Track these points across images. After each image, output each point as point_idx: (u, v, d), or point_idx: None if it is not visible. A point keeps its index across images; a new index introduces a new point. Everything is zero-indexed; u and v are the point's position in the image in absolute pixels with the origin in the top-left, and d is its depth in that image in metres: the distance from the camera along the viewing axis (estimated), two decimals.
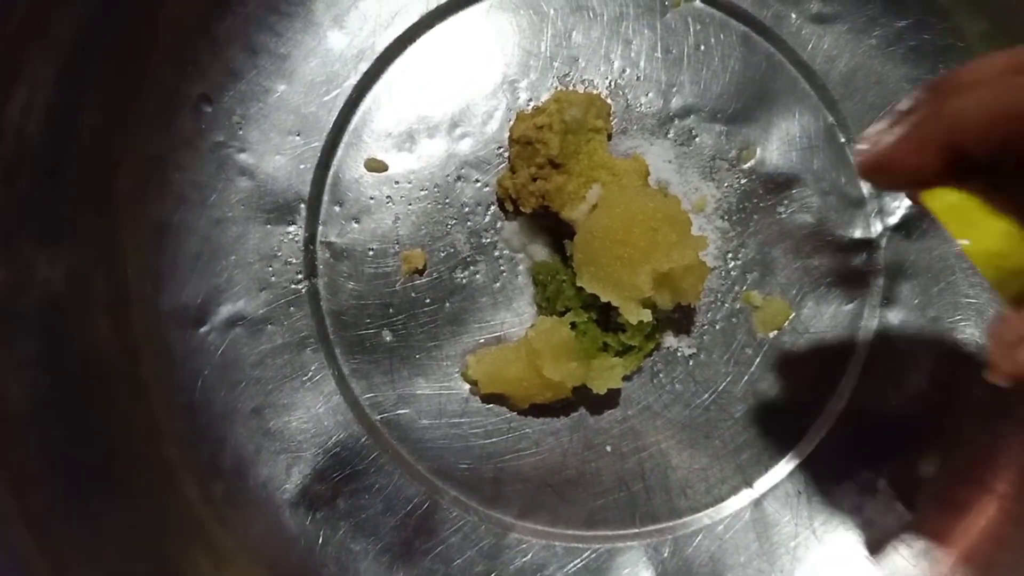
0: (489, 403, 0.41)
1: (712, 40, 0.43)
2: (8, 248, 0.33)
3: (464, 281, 0.42)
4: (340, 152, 0.42)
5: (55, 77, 0.34)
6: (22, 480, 0.31)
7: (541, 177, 0.40)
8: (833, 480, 0.42)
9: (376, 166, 0.42)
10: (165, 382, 0.39)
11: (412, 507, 0.40)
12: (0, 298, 0.33)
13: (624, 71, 0.43)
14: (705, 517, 0.42)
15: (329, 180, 0.42)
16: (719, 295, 0.42)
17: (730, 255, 0.42)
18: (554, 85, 0.43)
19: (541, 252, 0.42)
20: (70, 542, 0.32)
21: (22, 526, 0.31)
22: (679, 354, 0.42)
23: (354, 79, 0.42)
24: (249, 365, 0.40)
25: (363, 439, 0.41)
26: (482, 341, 0.42)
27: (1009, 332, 0.23)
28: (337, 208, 0.42)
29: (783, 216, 0.43)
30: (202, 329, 0.40)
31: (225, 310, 0.40)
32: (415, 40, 0.43)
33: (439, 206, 0.42)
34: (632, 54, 0.43)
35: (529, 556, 0.41)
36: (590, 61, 0.43)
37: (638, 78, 0.43)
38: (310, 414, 0.41)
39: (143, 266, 0.39)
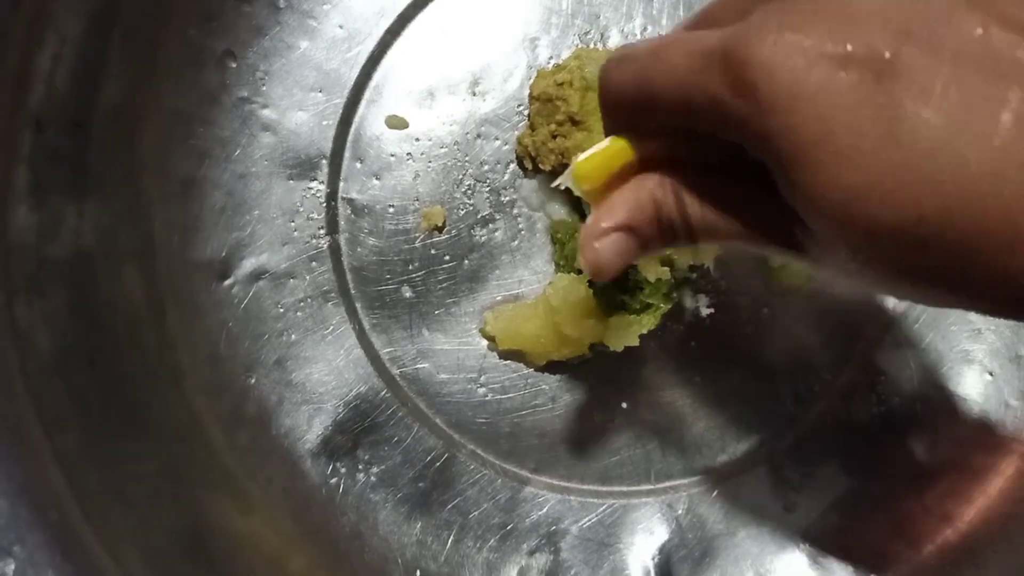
0: (506, 359, 0.42)
1: None
2: (38, 194, 0.34)
3: (483, 239, 0.42)
4: (361, 109, 0.42)
5: (83, 30, 0.35)
6: (54, 423, 0.32)
7: (561, 134, 0.40)
8: (850, 440, 0.42)
9: (397, 123, 0.42)
10: (190, 333, 0.40)
11: (430, 459, 0.41)
12: (31, 244, 0.33)
13: (646, 29, 0.43)
14: (720, 475, 0.42)
15: (350, 137, 0.42)
16: (738, 255, 0.42)
17: None
18: (575, 43, 0.43)
19: (560, 210, 0.42)
20: (100, 483, 0.33)
21: (55, 466, 0.32)
22: (697, 313, 0.42)
23: (375, 36, 0.42)
24: (272, 318, 0.41)
25: (383, 392, 0.41)
26: (499, 299, 0.42)
27: (592, 227, 0.26)
28: (358, 164, 0.42)
29: None
30: (226, 282, 0.41)
31: (248, 264, 0.41)
32: None
33: (459, 164, 0.42)
34: (654, 12, 0.43)
35: (545, 510, 0.41)
36: (611, 19, 0.43)
37: (659, 36, 0.42)
38: (331, 367, 0.41)
39: (169, 219, 0.40)
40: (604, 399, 0.42)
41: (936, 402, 0.42)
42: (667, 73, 0.23)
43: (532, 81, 0.41)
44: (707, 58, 0.22)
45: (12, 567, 0.29)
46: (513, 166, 0.42)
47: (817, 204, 0.21)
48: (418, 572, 0.40)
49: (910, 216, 0.20)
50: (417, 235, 0.42)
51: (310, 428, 0.41)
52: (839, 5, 0.21)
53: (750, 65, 0.21)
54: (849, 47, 0.20)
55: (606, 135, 0.28)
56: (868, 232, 0.20)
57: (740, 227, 0.25)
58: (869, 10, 0.20)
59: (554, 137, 0.40)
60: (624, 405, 0.42)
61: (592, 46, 0.42)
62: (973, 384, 0.42)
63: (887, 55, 0.20)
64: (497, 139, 0.42)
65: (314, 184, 0.42)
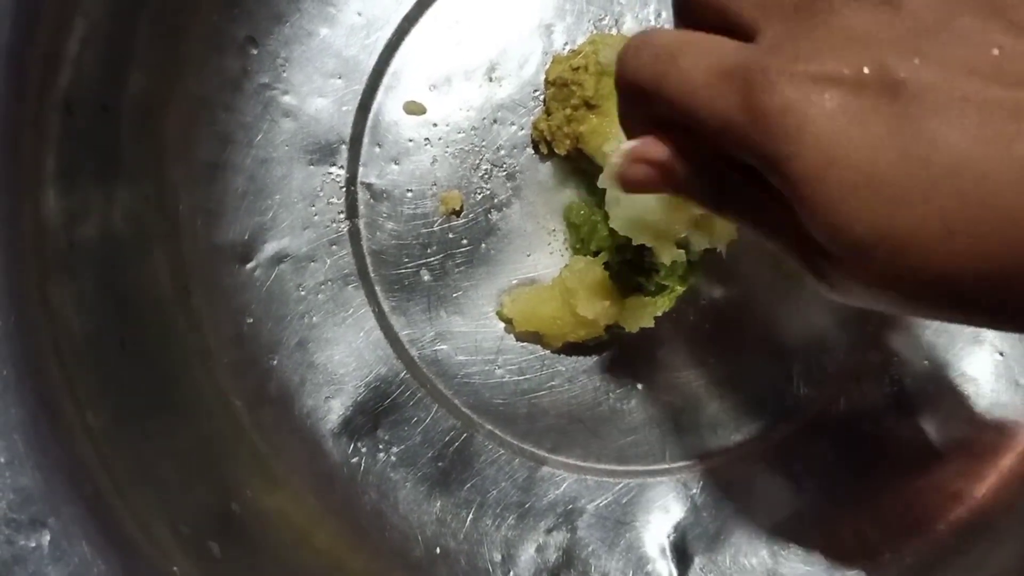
0: (523, 341, 0.42)
1: None
2: (68, 178, 0.34)
3: (500, 222, 0.43)
4: (380, 95, 0.43)
5: (111, 14, 0.35)
6: (85, 400, 0.33)
7: (576, 119, 0.40)
8: (862, 421, 0.42)
9: (415, 109, 0.43)
10: (215, 315, 0.40)
11: (449, 439, 0.42)
12: (61, 226, 0.34)
13: (660, 14, 0.43)
14: (735, 454, 0.42)
15: (369, 122, 0.43)
16: (753, 238, 0.42)
17: None
18: (590, 29, 0.43)
19: (575, 194, 0.42)
20: (130, 459, 0.34)
21: (86, 442, 0.32)
22: (711, 296, 0.43)
23: (393, 23, 0.43)
24: (293, 300, 0.42)
25: (402, 374, 0.42)
26: (516, 281, 0.43)
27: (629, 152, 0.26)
28: (377, 150, 0.43)
29: None
30: (249, 265, 0.41)
31: (270, 247, 0.42)
32: None
33: (476, 149, 0.43)
34: None
35: (562, 489, 0.42)
36: (626, 5, 0.43)
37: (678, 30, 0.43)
38: (351, 348, 0.42)
39: (193, 203, 0.40)
40: (620, 380, 0.42)
41: (947, 382, 0.42)
42: (682, 81, 0.23)
43: (548, 67, 0.42)
44: (724, 80, 0.22)
45: (48, 539, 0.30)
46: (529, 150, 0.43)
47: (835, 227, 0.21)
48: (438, 549, 0.41)
49: (938, 232, 0.19)
50: (435, 219, 0.43)
51: (331, 409, 0.41)
52: (848, 22, 0.21)
53: (766, 97, 0.21)
54: (865, 70, 0.20)
55: (621, 118, 0.28)
56: (893, 251, 0.20)
57: (756, 230, 0.25)
58: (879, 28, 0.20)
59: (569, 121, 0.40)
60: (639, 386, 0.42)
61: (607, 32, 0.43)
62: (984, 364, 0.42)
63: (901, 75, 0.20)
64: (513, 124, 0.43)
65: (334, 169, 0.42)
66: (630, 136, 0.27)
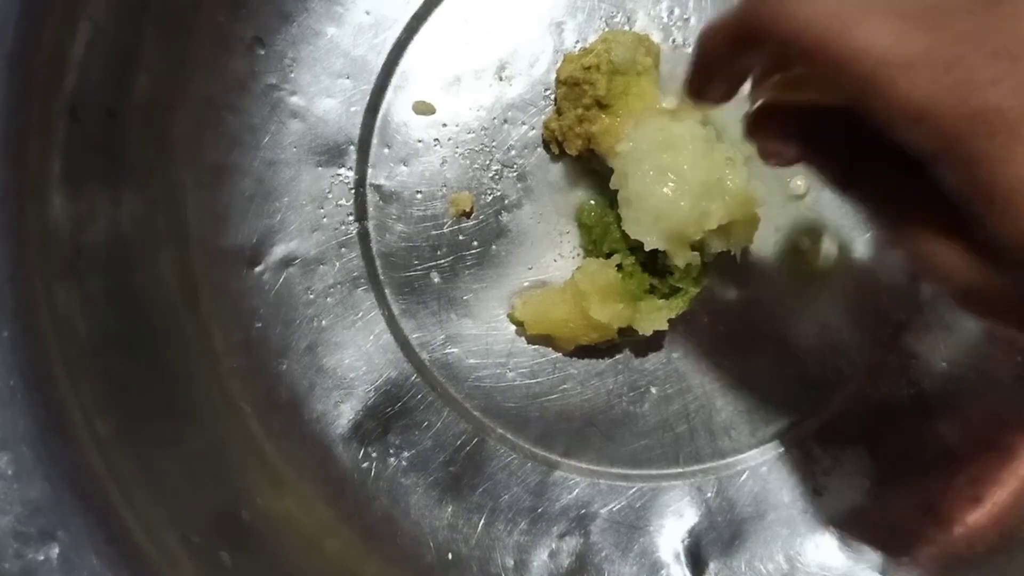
0: (535, 344, 0.42)
1: None
2: (74, 183, 0.34)
3: (510, 224, 0.42)
4: (389, 95, 0.42)
5: (116, 17, 0.35)
6: (93, 408, 0.33)
7: (587, 118, 0.40)
8: (880, 423, 0.42)
9: (424, 109, 0.42)
10: (223, 319, 0.40)
11: (460, 444, 0.42)
12: (68, 232, 0.34)
13: (672, 11, 0.42)
14: (749, 458, 0.42)
15: (378, 123, 0.42)
16: (767, 239, 0.42)
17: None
18: (601, 27, 0.42)
19: (586, 195, 0.42)
20: (138, 466, 0.33)
21: (95, 450, 0.32)
22: (726, 297, 0.42)
23: (402, 22, 0.42)
24: (302, 304, 0.41)
25: (412, 377, 0.42)
26: (527, 284, 0.42)
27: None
28: (386, 151, 0.42)
29: None
30: (257, 268, 0.41)
31: (279, 250, 0.41)
32: None
33: (486, 149, 0.42)
34: None
35: (574, 493, 0.42)
36: (638, 2, 0.42)
37: (686, 19, 0.42)
38: (361, 352, 0.42)
39: (201, 206, 0.40)
40: (633, 383, 0.42)
41: (966, 384, 0.42)
42: (859, 47, 0.17)
43: (559, 65, 0.41)
44: (930, 66, 0.17)
45: (57, 551, 0.30)
46: (540, 151, 0.42)
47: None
48: (450, 555, 0.41)
49: None
50: (445, 221, 0.42)
51: (341, 413, 0.41)
52: None
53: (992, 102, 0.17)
54: None
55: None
56: None
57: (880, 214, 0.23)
58: None
59: (581, 121, 0.40)
60: (653, 389, 0.42)
61: (619, 29, 0.42)
62: (1003, 365, 0.42)
63: None
64: (524, 124, 0.42)
65: (342, 171, 0.42)
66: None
